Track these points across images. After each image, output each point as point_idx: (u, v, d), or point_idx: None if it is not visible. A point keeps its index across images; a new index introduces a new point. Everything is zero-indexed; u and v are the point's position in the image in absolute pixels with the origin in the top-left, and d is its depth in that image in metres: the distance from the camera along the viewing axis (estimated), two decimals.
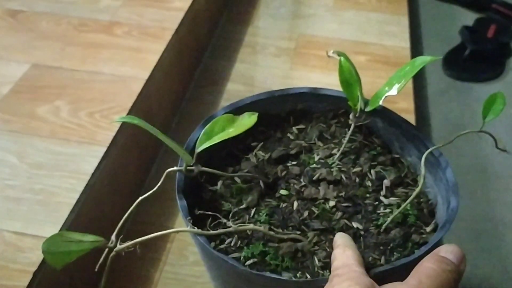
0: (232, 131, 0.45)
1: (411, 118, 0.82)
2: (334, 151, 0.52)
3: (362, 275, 0.36)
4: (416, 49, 1.15)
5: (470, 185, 0.93)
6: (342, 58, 0.50)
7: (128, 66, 0.69)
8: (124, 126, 0.61)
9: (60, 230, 0.49)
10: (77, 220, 0.52)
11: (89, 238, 0.40)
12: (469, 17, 1.33)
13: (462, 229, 0.83)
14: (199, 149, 0.44)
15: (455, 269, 0.34)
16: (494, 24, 1.28)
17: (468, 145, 0.99)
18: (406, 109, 0.83)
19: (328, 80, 0.90)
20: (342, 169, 0.50)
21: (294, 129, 0.55)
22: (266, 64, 0.95)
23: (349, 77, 0.50)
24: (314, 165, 0.51)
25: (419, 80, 1.15)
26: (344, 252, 0.40)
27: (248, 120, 0.46)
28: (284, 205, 0.47)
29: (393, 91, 0.47)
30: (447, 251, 0.36)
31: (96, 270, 0.39)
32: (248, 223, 0.45)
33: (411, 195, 0.47)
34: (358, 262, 0.38)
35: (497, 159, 0.97)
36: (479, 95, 1.14)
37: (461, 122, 1.06)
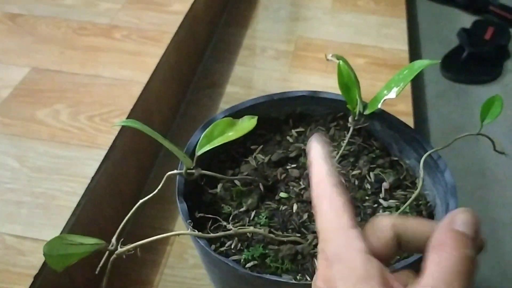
0: (232, 135, 0.45)
1: (409, 120, 0.83)
2: (333, 154, 0.53)
3: (369, 261, 0.27)
4: (414, 52, 1.16)
5: (468, 187, 0.93)
6: (341, 61, 0.51)
7: (128, 70, 0.70)
8: (124, 129, 0.61)
9: (61, 233, 0.49)
10: (78, 223, 0.52)
11: (90, 241, 0.40)
12: (466, 20, 1.33)
13: None
14: (199, 152, 0.44)
15: (475, 253, 0.27)
16: (491, 26, 1.28)
17: (466, 147, 0.99)
18: (404, 112, 0.84)
19: (327, 83, 0.90)
20: (341, 171, 0.51)
21: (294, 132, 0.56)
22: (265, 67, 0.96)
23: (348, 81, 0.51)
24: None
25: (417, 82, 1.16)
26: (331, 203, 0.30)
27: (248, 123, 0.46)
28: (284, 207, 0.47)
29: (392, 95, 0.48)
30: (464, 223, 0.27)
31: (96, 273, 0.39)
32: (248, 225, 0.46)
33: (410, 198, 0.48)
34: (352, 219, 0.29)
35: (495, 161, 0.97)
36: (477, 97, 1.14)
37: (459, 124, 1.07)
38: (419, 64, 0.47)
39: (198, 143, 0.44)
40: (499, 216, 0.89)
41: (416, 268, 0.36)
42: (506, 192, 0.93)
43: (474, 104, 1.12)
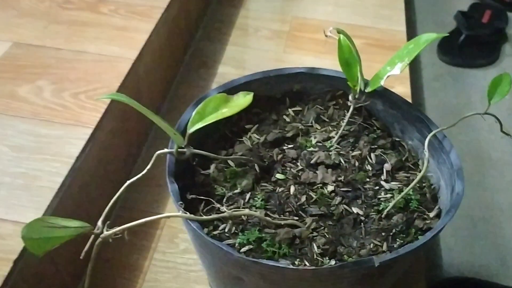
0: (226, 112, 0.42)
1: None
2: (332, 134, 0.50)
3: None
4: (411, 34, 1.13)
5: (467, 172, 0.91)
6: (341, 36, 0.48)
7: (115, 46, 0.66)
8: (111, 107, 0.58)
9: (43, 215, 0.46)
10: (61, 205, 0.49)
11: (74, 223, 0.37)
12: (464, 2, 1.31)
13: (458, 216, 0.82)
14: (191, 130, 0.41)
15: None
16: (489, 10, 1.26)
17: (464, 132, 0.98)
18: (403, 94, 0.80)
19: (322, 64, 0.86)
20: (341, 152, 0.48)
21: (290, 111, 0.53)
22: (259, 47, 0.92)
23: (349, 56, 0.48)
24: (312, 149, 0.48)
25: (414, 65, 1.13)
26: None
27: (243, 100, 0.43)
28: (280, 189, 0.45)
29: (396, 71, 0.45)
30: None
31: (81, 257, 0.36)
32: (243, 208, 0.43)
33: (412, 180, 0.46)
34: None
35: (493, 146, 0.95)
36: (475, 80, 1.12)
37: (457, 108, 1.05)
38: (426, 37, 0.44)
39: (190, 120, 0.42)
40: (497, 201, 0.87)
41: (420, 253, 0.33)
42: (504, 176, 0.92)
43: (471, 88, 1.10)
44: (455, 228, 0.80)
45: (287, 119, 0.52)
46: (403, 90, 0.82)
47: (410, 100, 0.83)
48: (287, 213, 0.43)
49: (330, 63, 0.46)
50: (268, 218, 0.41)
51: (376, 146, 0.49)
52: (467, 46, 1.18)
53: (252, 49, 0.92)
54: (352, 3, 1.02)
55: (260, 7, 1.02)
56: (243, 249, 0.40)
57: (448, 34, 0.44)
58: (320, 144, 0.49)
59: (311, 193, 0.44)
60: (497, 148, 0.94)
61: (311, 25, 0.97)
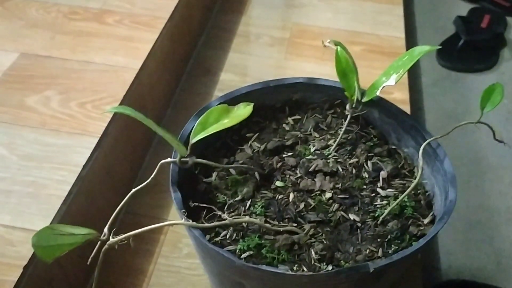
0: (227, 122, 0.44)
1: (406, 109, 0.81)
2: (330, 142, 0.52)
3: None
4: (410, 40, 1.14)
5: (465, 176, 0.93)
6: (338, 47, 0.49)
7: (120, 56, 0.68)
8: (116, 117, 0.60)
9: (51, 223, 0.48)
10: (69, 212, 0.51)
11: (81, 231, 0.39)
12: (463, 7, 1.32)
13: (456, 220, 0.84)
14: (193, 140, 0.43)
15: None
16: (488, 14, 1.27)
17: (462, 136, 0.99)
18: (401, 100, 0.83)
19: (322, 70, 0.89)
20: (339, 160, 0.50)
21: (290, 119, 0.55)
22: (260, 54, 0.94)
23: (346, 67, 0.50)
24: (310, 156, 0.50)
25: (413, 70, 1.15)
26: None
27: (243, 110, 0.45)
28: (280, 197, 0.46)
29: (391, 81, 0.47)
30: None
31: (88, 263, 0.38)
32: (244, 215, 0.45)
33: (408, 187, 0.47)
34: None
35: (491, 150, 0.97)
36: (474, 85, 1.14)
37: (456, 113, 1.06)
38: (419, 50, 0.46)
39: (193, 131, 0.43)
40: (494, 205, 0.89)
41: (415, 258, 0.35)
42: (501, 180, 0.93)
43: (470, 93, 1.11)
44: (453, 231, 0.82)
45: (287, 128, 0.54)
46: (401, 96, 0.83)
47: (409, 105, 0.85)
48: (286, 220, 0.45)
49: (329, 70, 0.47)
50: (267, 225, 0.43)
51: (372, 154, 0.51)
52: (466, 51, 1.19)
53: (254, 56, 0.94)
54: (351, 10, 1.04)
55: (261, 14, 1.04)
56: (243, 255, 0.42)
57: (441, 47, 0.46)
58: (319, 152, 0.51)
59: (310, 200, 0.46)
60: (494, 152, 0.96)
61: (311, 32, 0.98)
